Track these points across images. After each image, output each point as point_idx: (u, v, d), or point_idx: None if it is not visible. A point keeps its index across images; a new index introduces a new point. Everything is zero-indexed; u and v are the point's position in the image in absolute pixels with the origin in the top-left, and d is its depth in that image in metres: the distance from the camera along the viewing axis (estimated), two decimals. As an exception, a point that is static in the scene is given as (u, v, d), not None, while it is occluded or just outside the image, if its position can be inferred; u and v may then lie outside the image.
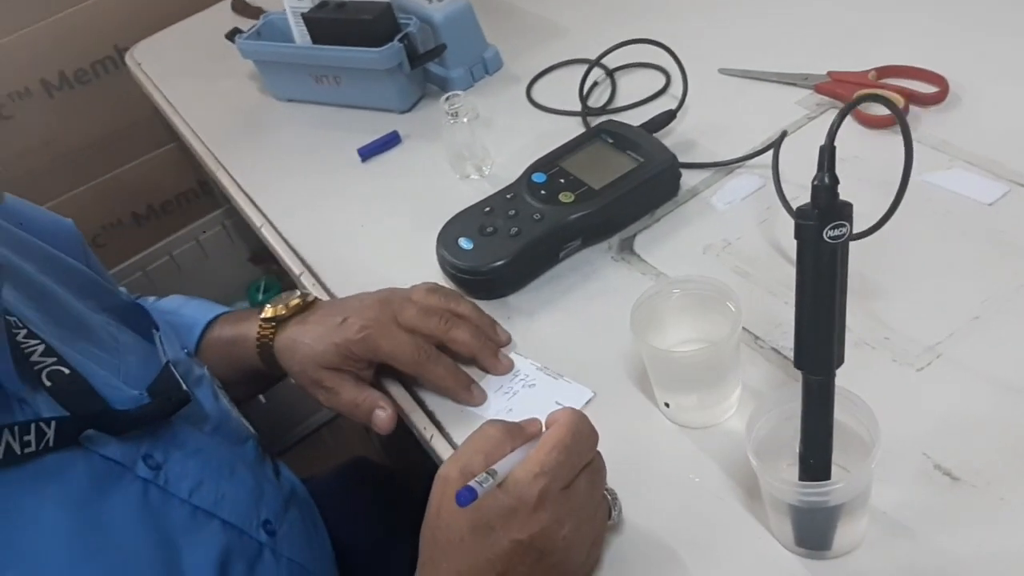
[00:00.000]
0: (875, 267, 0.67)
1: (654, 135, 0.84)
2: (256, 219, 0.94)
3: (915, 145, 0.78)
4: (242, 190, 0.98)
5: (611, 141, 0.81)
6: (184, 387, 0.61)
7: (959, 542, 0.52)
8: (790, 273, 0.71)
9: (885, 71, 0.85)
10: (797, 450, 0.52)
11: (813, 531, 0.52)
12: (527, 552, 0.50)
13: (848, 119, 0.83)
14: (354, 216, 0.90)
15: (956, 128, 0.78)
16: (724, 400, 0.61)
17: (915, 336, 0.62)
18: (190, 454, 0.61)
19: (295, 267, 0.86)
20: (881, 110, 0.82)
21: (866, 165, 0.78)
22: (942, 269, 0.66)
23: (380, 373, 0.72)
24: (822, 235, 0.48)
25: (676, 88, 0.93)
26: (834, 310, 0.49)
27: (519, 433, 0.55)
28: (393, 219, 0.88)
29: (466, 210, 0.79)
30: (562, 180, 0.78)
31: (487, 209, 0.78)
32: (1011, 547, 0.51)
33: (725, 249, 0.74)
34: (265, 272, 1.62)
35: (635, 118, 0.89)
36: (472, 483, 0.49)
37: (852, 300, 0.66)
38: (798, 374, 0.62)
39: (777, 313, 0.67)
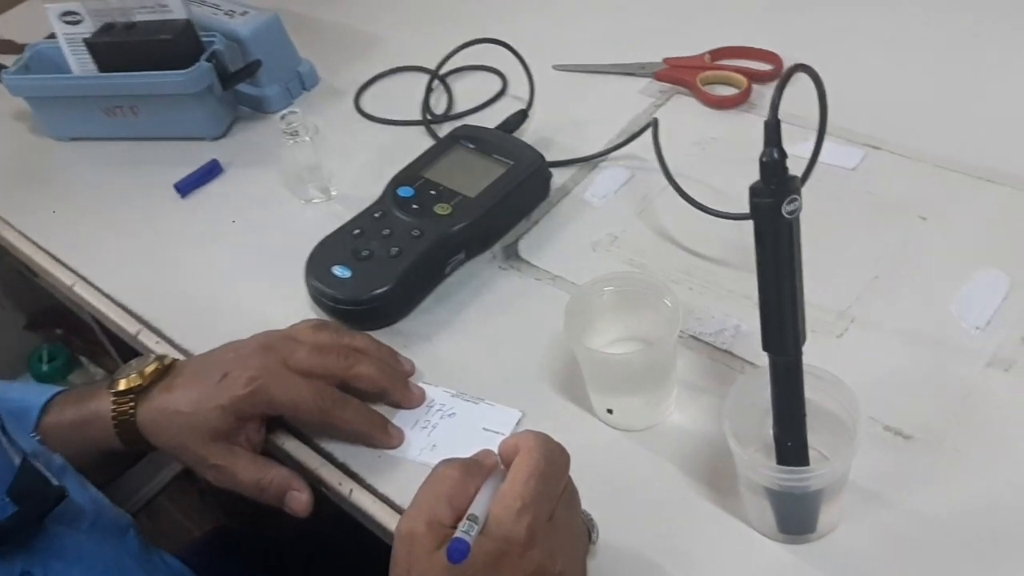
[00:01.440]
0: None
1: (513, 136, 0.81)
2: (65, 278, 0.80)
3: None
4: (39, 247, 0.84)
5: (472, 146, 0.77)
6: (55, 481, 0.50)
7: (930, 500, 0.52)
8: (685, 259, 0.71)
9: (719, 53, 0.87)
10: (766, 436, 0.51)
11: (797, 515, 0.51)
12: None
13: (692, 101, 0.84)
14: (189, 258, 0.79)
15: (799, 101, 0.80)
16: (668, 397, 0.58)
17: (825, 305, 0.63)
18: (72, 562, 0.50)
19: (129, 326, 0.74)
20: (726, 90, 0.84)
21: (726, 144, 0.79)
22: (830, 236, 0.68)
23: (268, 428, 0.63)
24: (780, 211, 0.46)
25: (514, 88, 0.90)
26: (796, 287, 0.48)
27: (478, 469, 0.50)
28: (239, 255, 0.78)
29: (333, 235, 0.72)
30: (432, 192, 0.73)
31: (356, 231, 0.71)
32: (979, 495, 0.52)
33: (614, 243, 0.72)
34: (46, 339, 1.42)
35: (481, 122, 0.85)
36: (459, 534, 0.43)
37: (753, 277, 0.67)
38: (723, 359, 0.62)
39: (686, 301, 0.66)
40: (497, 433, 0.60)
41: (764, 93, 0.83)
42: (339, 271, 0.69)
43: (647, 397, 0.57)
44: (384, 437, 0.60)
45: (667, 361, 0.56)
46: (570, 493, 0.49)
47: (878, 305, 0.63)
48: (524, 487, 0.46)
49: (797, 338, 0.48)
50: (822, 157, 0.74)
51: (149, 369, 0.62)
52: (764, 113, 0.84)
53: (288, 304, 0.71)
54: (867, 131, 0.75)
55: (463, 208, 0.71)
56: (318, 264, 0.70)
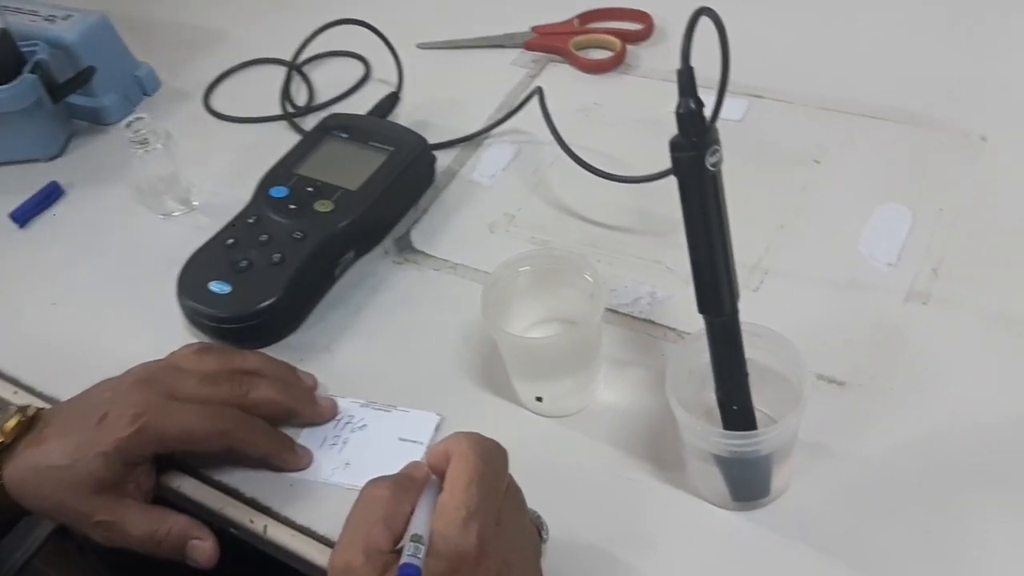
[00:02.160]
0: (665, 204, 0.65)
1: (388, 120, 0.76)
2: None
3: (645, 81, 0.79)
4: None
5: (346, 136, 0.71)
6: None
7: (873, 443, 0.51)
8: (588, 231, 0.68)
9: (587, 17, 0.84)
10: (708, 403, 0.48)
11: (750, 481, 0.48)
12: None
13: (567, 68, 0.82)
14: (38, 294, 0.70)
15: (674, 59, 0.79)
16: (597, 376, 0.55)
17: (736, 260, 0.61)
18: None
19: (-24, 379, 0.65)
20: (599, 54, 0.81)
21: (609, 109, 0.76)
22: (729, 191, 0.65)
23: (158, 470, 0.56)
24: (704, 164, 0.43)
25: (379, 71, 0.85)
26: (727, 242, 0.45)
27: (410, 484, 0.45)
28: (96, 284, 0.70)
29: (203, 248, 0.65)
30: (309, 189, 0.67)
31: (230, 241, 0.64)
32: (919, 431, 0.51)
33: (512, 223, 0.68)
34: None
35: (348, 111, 0.79)
36: (406, 558, 0.39)
37: (663, 243, 0.65)
38: (643, 329, 0.59)
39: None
40: (415, 442, 0.55)
41: (639, 54, 0.81)
42: (216, 287, 0.62)
43: (576, 379, 0.54)
44: (292, 458, 0.54)
45: (594, 339, 0.53)
46: (514, 492, 0.45)
47: (788, 253, 0.62)
48: (466, 494, 0.42)
49: (733, 295, 0.45)
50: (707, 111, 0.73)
51: (10, 424, 0.54)
52: (642, 74, 0.83)
53: (162, 331, 0.64)
54: (748, 81, 0.74)
55: (346, 203, 0.66)
56: (191, 281, 0.63)
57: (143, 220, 0.74)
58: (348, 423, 0.57)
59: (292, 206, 0.66)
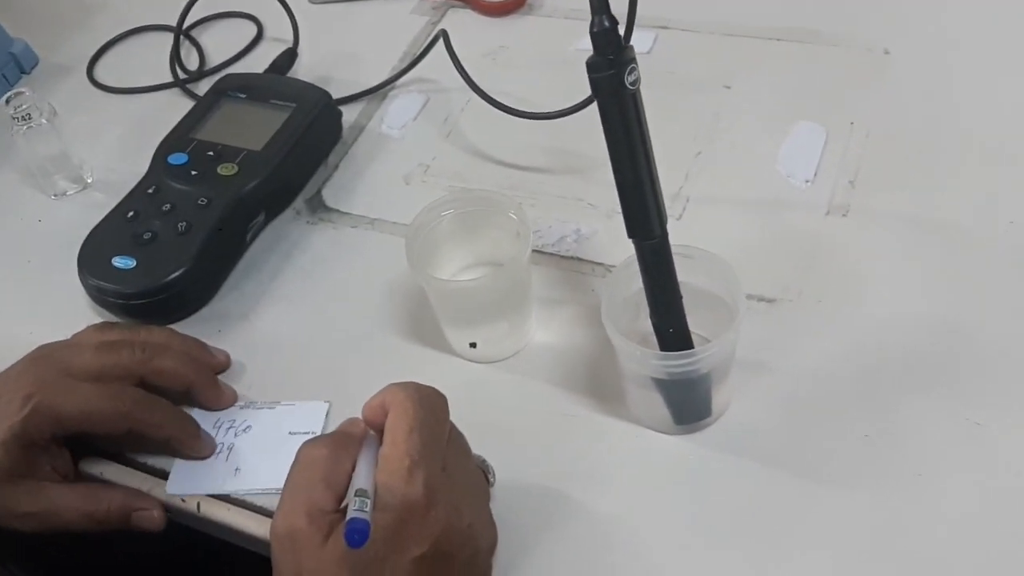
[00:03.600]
0: (582, 142, 0.64)
1: (288, 76, 0.72)
2: None
3: (549, 21, 0.77)
4: None
5: (244, 96, 0.68)
6: None
7: (807, 356, 0.51)
8: (507, 174, 0.66)
9: (485, -40, 0.82)
10: (643, 329, 0.48)
11: (691, 403, 0.48)
12: (434, 564, 0.40)
13: (469, 13, 0.80)
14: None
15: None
16: (529, 317, 0.54)
17: (657, 189, 0.61)
18: None
19: None
20: (497, -3, 0.79)
21: (516, 51, 0.75)
22: (644, 122, 0.65)
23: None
24: (624, 82, 0.42)
25: (272, 30, 0.81)
26: (651, 162, 0.44)
27: (348, 441, 0.43)
28: (-12, 274, 0.65)
29: (102, 224, 0.61)
30: (210, 153, 0.63)
31: (130, 214, 0.61)
32: (849, 339, 0.52)
33: (427, 173, 0.66)
34: None
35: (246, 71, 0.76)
36: (352, 513, 0.37)
37: (584, 180, 0.63)
38: (571, 267, 0.58)
39: (518, 215, 0.61)
40: (307, 434, 0.51)
41: (542, -7, 0.79)
42: (121, 262, 0.58)
43: (509, 321, 0.52)
44: (197, 444, 0.51)
45: (524, 279, 0.51)
46: (456, 437, 0.44)
47: (707, 180, 0.61)
48: (407, 443, 0.40)
49: (661, 217, 0.45)
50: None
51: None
52: (545, 13, 0.81)
53: (65, 314, 0.60)
54: (653, 13, 0.73)
55: (251, 164, 0.62)
56: (93, 259, 0.59)
57: (34, 202, 0.70)
58: (231, 428, 0.53)
59: (193, 172, 0.62)
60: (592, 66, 0.42)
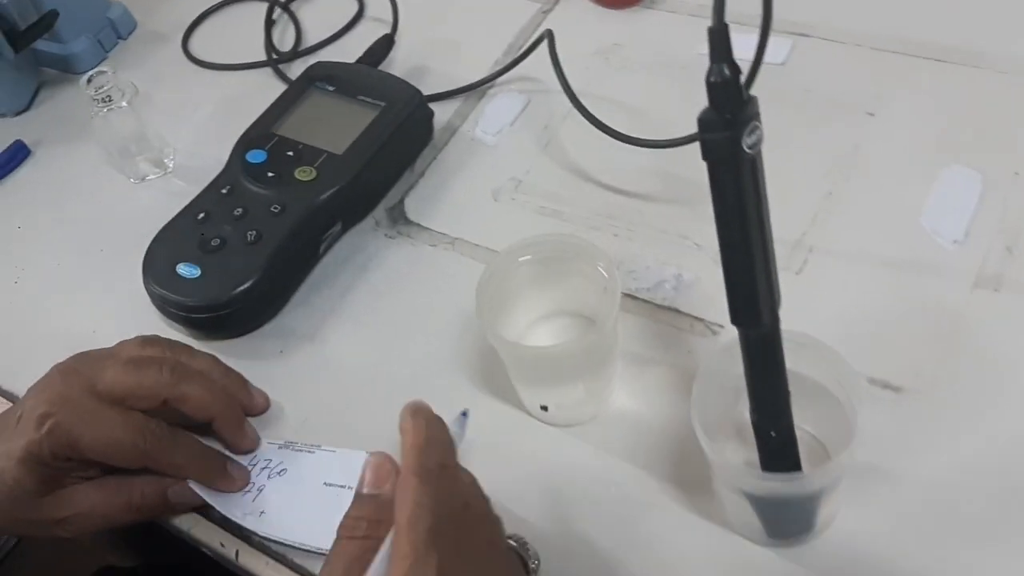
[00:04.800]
0: (693, 167, 0.56)
1: (380, 69, 0.67)
2: None
3: (672, 17, 0.69)
4: None
5: (332, 88, 0.63)
6: None
7: (938, 462, 0.44)
8: (606, 199, 0.59)
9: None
10: (739, 418, 0.41)
11: (789, 520, 0.41)
12: None
13: (585, 3, 0.72)
14: (1, 269, 0.64)
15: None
16: (611, 380, 0.48)
17: (776, 236, 0.53)
18: None
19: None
20: (623, -14, 0.71)
21: (632, 51, 0.67)
22: (769, 150, 0.56)
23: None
24: (741, 146, 0.35)
25: (373, 9, 0.76)
26: (767, 240, 0.37)
27: (380, 524, 0.38)
28: (60, 258, 0.63)
29: (171, 224, 0.58)
30: (290, 153, 0.59)
31: (201, 215, 0.57)
32: (989, 447, 0.44)
33: (518, 189, 0.60)
34: None
35: (339, 55, 0.71)
36: None
37: (690, 214, 0.56)
38: (667, 319, 0.51)
39: (613, 250, 0.55)
40: (343, 487, 0.47)
41: (663, -16, 0.71)
42: (185, 270, 0.55)
43: (587, 386, 0.46)
44: (225, 481, 0.47)
45: (609, 342, 0.45)
46: (480, 517, 0.38)
47: (837, 227, 0.53)
48: (410, 535, 0.35)
49: (773, 303, 0.38)
50: (743, 53, 0.64)
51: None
52: (668, 7, 0.73)
53: (132, 315, 0.57)
54: (791, 16, 0.64)
55: (331, 169, 0.58)
56: (158, 264, 0.56)
57: (114, 185, 0.67)
58: (265, 468, 0.49)
59: (270, 173, 0.58)
60: (705, 123, 0.35)
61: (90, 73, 0.63)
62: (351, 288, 0.57)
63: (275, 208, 0.56)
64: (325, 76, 0.64)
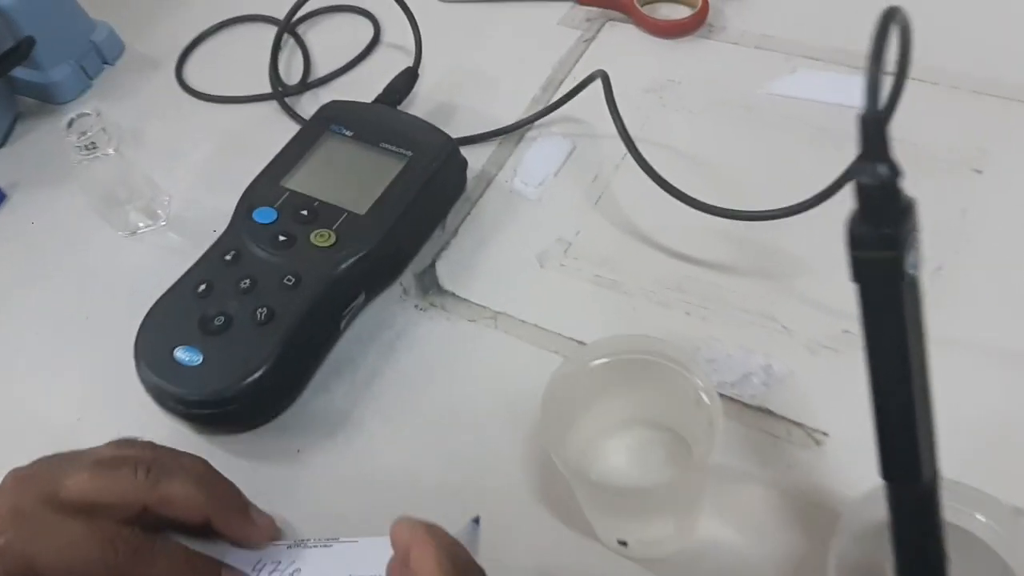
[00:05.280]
0: (776, 232, 0.49)
1: (399, 109, 0.59)
2: None
3: (734, 49, 0.61)
4: None
5: (350, 133, 0.55)
6: None
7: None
8: (673, 268, 0.50)
9: (655, -40, 0.66)
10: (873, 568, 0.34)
11: None
12: None
13: (631, 29, 0.64)
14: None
15: (769, 16, 0.62)
16: (701, 514, 0.40)
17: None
18: None
19: None
20: (675, 11, 0.63)
21: (690, 88, 0.59)
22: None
23: None
24: (902, 269, 0.27)
25: (390, 34, 0.68)
26: (926, 377, 0.29)
27: None
28: (43, 326, 0.55)
29: (167, 298, 0.49)
30: (304, 211, 0.51)
31: (202, 287, 0.49)
32: None
33: (568, 253, 0.52)
34: None
35: (354, 88, 0.63)
36: None
37: (774, 289, 0.48)
38: (758, 422, 0.44)
39: (685, 332, 0.47)
40: None
41: (721, 9, 0.63)
42: (184, 355, 0.47)
43: (675, 523, 0.39)
44: None
45: (703, 479, 0.37)
46: None
47: (950, 311, 0.45)
48: None
49: (933, 454, 0.30)
50: (817, 93, 0.56)
51: None
52: (729, 38, 0.64)
53: (121, 400, 0.49)
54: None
55: (352, 233, 0.50)
56: (152, 346, 0.48)
57: (101, 238, 0.59)
58: (274, 571, 0.41)
59: (282, 237, 0.50)
60: (857, 239, 0.28)
61: (71, 116, 0.55)
62: (378, 372, 0.49)
63: (288, 280, 0.48)
64: (341, 118, 0.56)
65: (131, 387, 0.49)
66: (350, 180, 0.53)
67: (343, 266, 0.49)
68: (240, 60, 0.68)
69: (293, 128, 0.61)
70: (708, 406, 0.36)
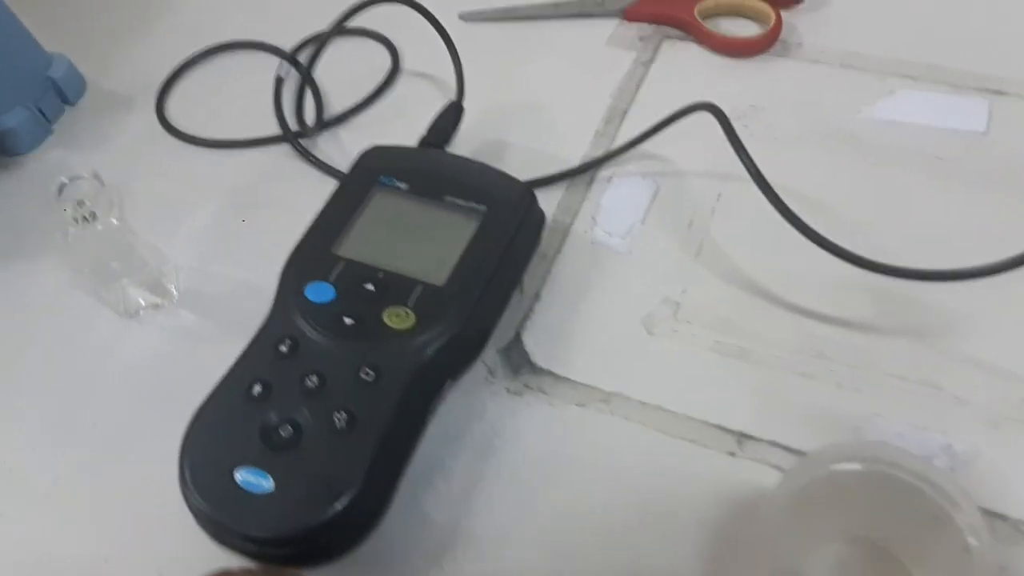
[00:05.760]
0: (922, 287, 0.43)
1: (451, 152, 0.51)
2: None
3: (813, 68, 0.55)
4: None
5: (405, 186, 0.46)
6: None
7: None
8: (806, 329, 0.42)
9: (708, -30, 0.60)
10: None
11: None
12: None
13: (693, 48, 0.58)
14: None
15: (848, 31, 0.56)
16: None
17: (991, 375, 0.40)
18: None
19: None
20: (742, 27, 0.57)
21: (777, 114, 0.53)
22: (995, 249, 0.44)
23: None
24: None
25: (410, 60, 0.59)
26: None
27: None
28: (36, 444, 0.44)
29: (214, 401, 0.40)
30: (369, 286, 0.42)
31: (257, 388, 0.40)
32: None
33: (678, 316, 0.45)
34: None
35: (380, 127, 0.55)
36: None
37: (930, 346, 0.42)
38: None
39: (837, 407, 0.41)
40: None
41: (794, 24, 0.57)
42: (249, 479, 0.38)
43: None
44: None
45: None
46: None
47: None
48: None
49: None
50: (923, 117, 0.51)
51: None
52: (808, 56, 0.58)
53: (151, 537, 0.40)
54: (979, 68, 0.52)
55: (434, 308, 0.41)
56: (206, 467, 0.38)
57: (98, 323, 0.49)
58: None
59: (348, 320, 0.41)
60: None
61: (62, 181, 0.44)
62: (478, 476, 0.41)
63: (366, 374, 0.40)
64: (391, 168, 0.47)
65: (166, 511, 0.40)
66: (417, 244, 0.44)
67: (428, 351, 0.41)
68: (232, 96, 0.59)
69: (311, 175, 0.52)
70: (980, 553, 0.29)
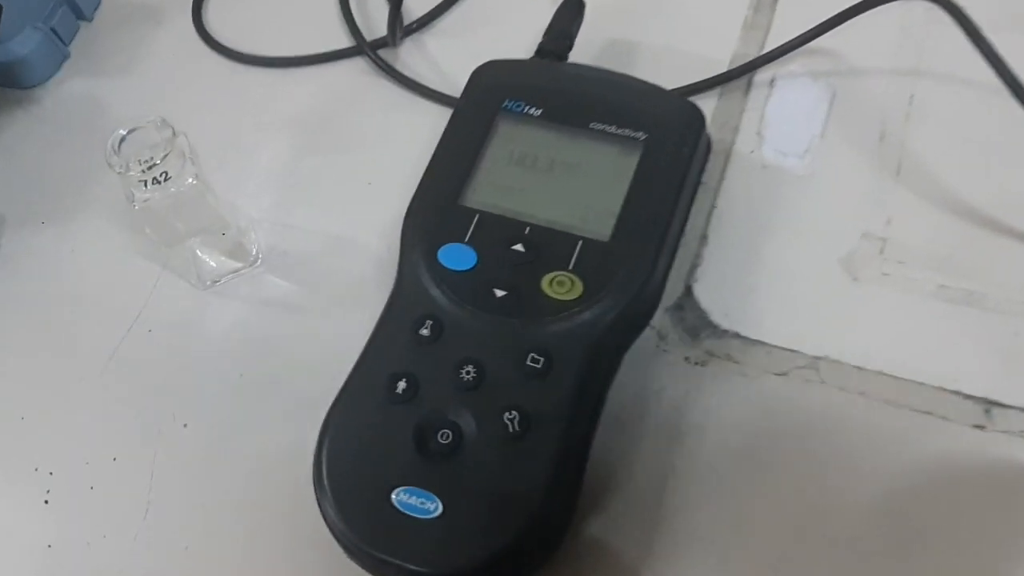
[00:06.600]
0: None
1: (609, 70, 0.41)
2: None
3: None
4: None
5: (538, 112, 0.37)
6: None
7: None
8: None
9: None
10: None
11: None
12: None
13: None
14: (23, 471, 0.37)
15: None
16: None
17: None
18: None
19: None
20: None
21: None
22: None
23: None
24: None
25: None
26: None
27: None
28: (123, 441, 0.37)
29: (347, 406, 0.32)
30: (519, 247, 0.34)
31: (402, 385, 0.32)
32: None
33: (885, 254, 0.37)
34: None
35: (469, 32, 0.46)
36: None
37: None
38: None
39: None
40: None
41: None
42: (411, 501, 0.31)
43: None
44: None
45: None
46: None
47: None
48: None
49: None
50: None
51: None
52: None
53: (284, 543, 0.33)
54: None
55: (601, 270, 0.33)
56: (355, 487, 0.31)
57: (169, 295, 0.41)
58: None
59: (499, 292, 0.33)
60: None
61: (120, 133, 0.35)
62: (670, 470, 0.34)
63: (534, 361, 0.32)
64: (516, 89, 0.38)
65: (297, 527, 0.33)
66: (566, 188, 0.36)
67: (601, 325, 0.33)
68: (284, 1, 0.49)
69: (397, 94, 0.44)
70: None
